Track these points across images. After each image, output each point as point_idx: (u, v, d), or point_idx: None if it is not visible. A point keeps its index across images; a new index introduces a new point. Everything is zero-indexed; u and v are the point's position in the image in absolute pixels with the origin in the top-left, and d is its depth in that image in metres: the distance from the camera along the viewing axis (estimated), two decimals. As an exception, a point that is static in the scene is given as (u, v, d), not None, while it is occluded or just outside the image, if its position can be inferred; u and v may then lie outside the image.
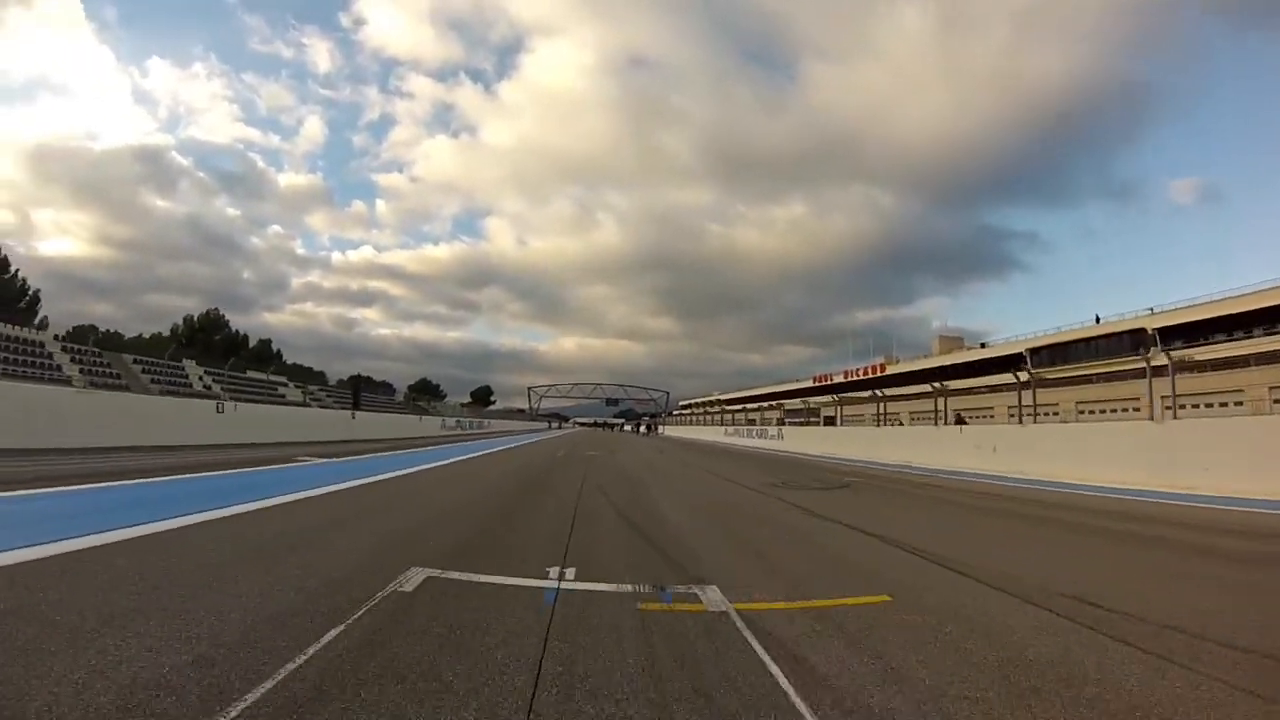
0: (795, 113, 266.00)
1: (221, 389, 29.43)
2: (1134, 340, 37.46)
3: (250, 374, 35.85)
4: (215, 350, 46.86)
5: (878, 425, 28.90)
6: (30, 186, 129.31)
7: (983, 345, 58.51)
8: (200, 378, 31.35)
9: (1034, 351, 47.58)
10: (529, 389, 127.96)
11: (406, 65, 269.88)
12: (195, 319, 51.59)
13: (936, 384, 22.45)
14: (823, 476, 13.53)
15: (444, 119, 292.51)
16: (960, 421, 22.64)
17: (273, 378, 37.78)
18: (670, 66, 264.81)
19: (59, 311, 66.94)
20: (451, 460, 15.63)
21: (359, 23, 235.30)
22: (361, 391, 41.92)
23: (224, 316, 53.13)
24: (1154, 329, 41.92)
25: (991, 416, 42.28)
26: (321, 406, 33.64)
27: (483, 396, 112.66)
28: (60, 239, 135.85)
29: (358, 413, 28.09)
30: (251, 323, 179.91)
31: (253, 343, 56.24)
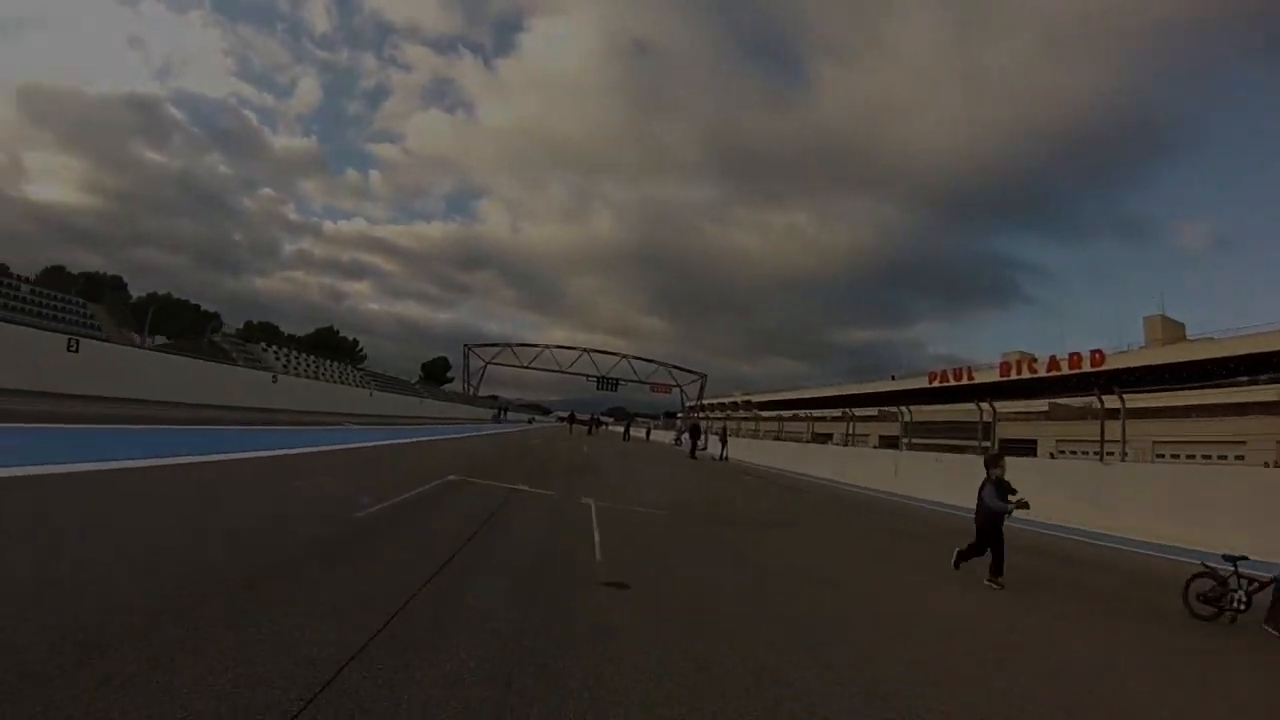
0: (801, 113, 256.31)
1: None
2: None
3: None
4: None
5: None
6: (20, 126, 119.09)
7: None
8: None
9: None
10: (465, 347, 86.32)
11: (402, 33, 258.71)
12: None
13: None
14: None
15: (441, 92, 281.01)
16: None
17: None
18: (675, 54, 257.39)
19: (46, 258, 60.84)
20: None
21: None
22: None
23: None
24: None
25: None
26: None
27: (438, 373, 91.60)
28: (47, 182, 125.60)
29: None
30: (242, 286, 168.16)
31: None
